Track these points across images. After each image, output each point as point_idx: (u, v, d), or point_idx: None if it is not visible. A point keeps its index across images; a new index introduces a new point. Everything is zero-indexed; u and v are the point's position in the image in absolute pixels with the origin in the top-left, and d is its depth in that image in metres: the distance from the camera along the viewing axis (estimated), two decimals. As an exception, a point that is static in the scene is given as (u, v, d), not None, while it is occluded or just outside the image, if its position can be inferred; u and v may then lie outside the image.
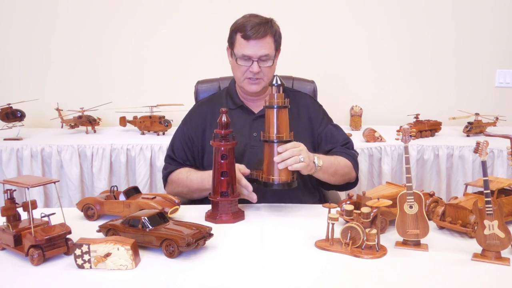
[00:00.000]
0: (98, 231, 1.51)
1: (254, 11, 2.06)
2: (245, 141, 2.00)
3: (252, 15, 2.01)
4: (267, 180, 1.75)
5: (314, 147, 2.09)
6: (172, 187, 2.07)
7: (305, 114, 2.11)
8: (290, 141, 1.75)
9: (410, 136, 1.50)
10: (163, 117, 3.21)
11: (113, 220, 1.53)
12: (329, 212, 1.49)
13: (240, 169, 1.81)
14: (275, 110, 1.72)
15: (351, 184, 2.10)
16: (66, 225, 1.42)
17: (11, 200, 1.46)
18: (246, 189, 1.80)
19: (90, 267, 1.33)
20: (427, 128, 3.19)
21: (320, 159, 1.85)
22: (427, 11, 3.58)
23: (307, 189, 2.05)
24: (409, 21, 3.59)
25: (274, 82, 1.73)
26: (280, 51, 2.09)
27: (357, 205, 1.63)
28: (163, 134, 3.20)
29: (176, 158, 2.09)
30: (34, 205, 1.43)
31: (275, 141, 1.72)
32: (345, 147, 2.09)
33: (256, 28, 1.94)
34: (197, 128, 2.09)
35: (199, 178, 1.93)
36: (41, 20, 3.52)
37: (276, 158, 1.72)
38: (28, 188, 1.36)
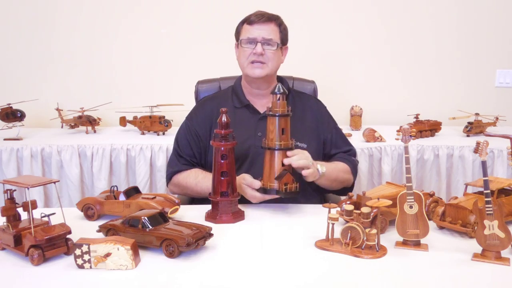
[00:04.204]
0: (98, 231, 1.51)
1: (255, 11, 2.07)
2: (250, 140, 2.00)
3: (258, 10, 2.06)
4: (267, 187, 1.75)
5: (320, 150, 2.10)
6: (178, 189, 2.06)
7: (311, 117, 2.12)
8: (292, 148, 1.77)
9: (410, 136, 1.50)
10: (163, 117, 3.21)
11: (113, 220, 1.53)
12: (329, 212, 1.49)
13: (251, 183, 1.79)
14: (277, 118, 1.73)
15: (347, 189, 2.13)
16: (66, 225, 1.42)
17: (11, 200, 1.46)
18: (251, 185, 1.79)
19: (90, 267, 1.33)
20: (427, 128, 3.19)
21: (323, 166, 1.88)
22: (427, 11, 3.57)
23: (306, 191, 2.04)
24: (409, 21, 3.58)
25: (276, 90, 1.73)
26: (287, 49, 2.10)
27: (357, 205, 1.63)
28: (163, 134, 3.20)
29: (182, 155, 2.07)
30: (34, 205, 1.43)
31: (276, 148, 1.73)
32: (347, 154, 2.12)
33: (260, 15, 2.01)
34: (203, 124, 2.08)
35: (210, 188, 1.82)
36: (41, 20, 3.52)
37: (286, 161, 1.73)
38: (28, 188, 1.36)
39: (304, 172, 1.76)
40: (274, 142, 1.73)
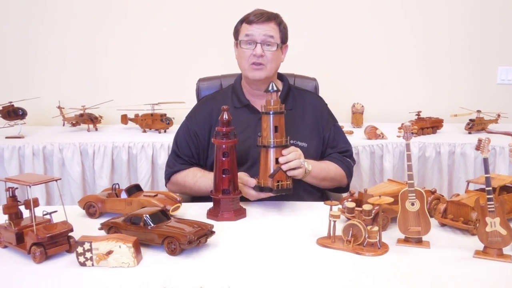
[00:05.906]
0: (100, 228, 1.51)
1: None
2: (250, 140, 2.00)
3: (257, 9, 2.04)
4: (263, 185, 1.76)
5: (320, 148, 2.09)
6: (177, 188, 2.06)
7: (311, 114, 2.11)
8: (287, 146, 1.77)
9: (412, 133, 1.50)
10: (165, 114, 3.21)
11: (115, 217, 1.53)
12: (331, 209, 1.49)
13: (246, 181, 1.81)
14: (271, 116, 1.73)
15: (341, 189, 2.12)
16: (68, 223, 1.42)
17: (13, 198, 1.46)
18: (247, 184, 1.81)
19: (92, 265, 1.33)
20: (428, 125, 3.18)
21: (309, 164, 1.88)
22: (429, 8, 3.56)
23: (308, 186, 2.05)
24: (410, 18, 3.58)
25: (270, 88, 1.75)
26: (287, 47, 2.09)
27: (359, 202, 1.63)
28: (165, 131, 3.20)
29: (181, 155, 2.08)
30: (36, 203, 1.43)
31: (271, 146, 1.74)
32: (342, 155, 2.10)
33: (259, 14, 1.99)
34: (202, 124, 2.08)
35: (208, 187, 1.88)
36: (43, 18, 3.51)
37: (282, 159, 1.73)
38: (30, 186, 1.36)
39: (290, 173, 1.76)
40: (267, 140, 1.74)
